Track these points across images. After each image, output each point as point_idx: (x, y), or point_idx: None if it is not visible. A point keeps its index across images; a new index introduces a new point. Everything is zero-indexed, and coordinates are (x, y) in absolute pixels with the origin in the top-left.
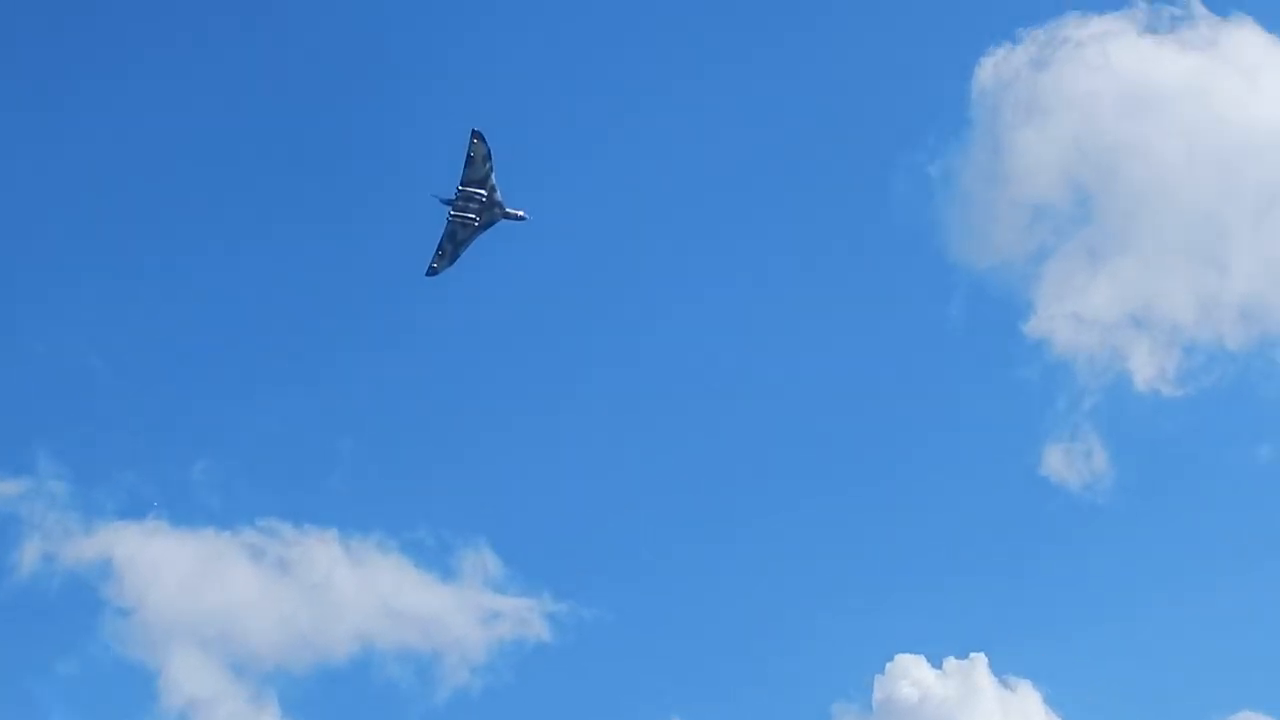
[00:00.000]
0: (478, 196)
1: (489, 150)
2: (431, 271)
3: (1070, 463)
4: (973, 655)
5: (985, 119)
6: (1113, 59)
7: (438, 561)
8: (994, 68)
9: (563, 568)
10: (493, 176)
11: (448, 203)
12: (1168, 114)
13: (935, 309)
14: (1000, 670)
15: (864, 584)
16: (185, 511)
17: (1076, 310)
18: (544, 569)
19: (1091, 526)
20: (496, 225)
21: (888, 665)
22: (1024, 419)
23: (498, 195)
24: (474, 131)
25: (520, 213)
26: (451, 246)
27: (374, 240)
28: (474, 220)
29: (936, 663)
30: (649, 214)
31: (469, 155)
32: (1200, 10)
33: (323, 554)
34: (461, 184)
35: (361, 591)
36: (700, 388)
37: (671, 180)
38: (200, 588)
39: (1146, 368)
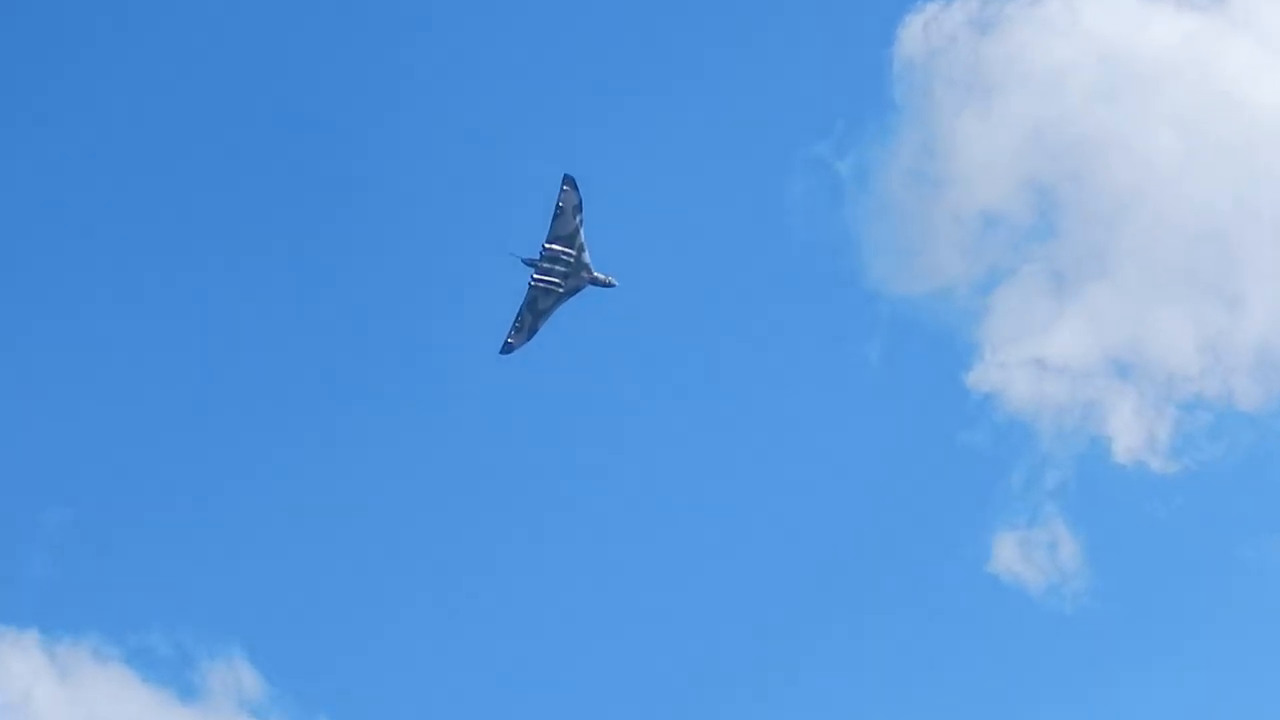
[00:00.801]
0: (565, 257)
1: (581, 200)
2: (507, 348)
3: (1028, 557)
4: None
5: (913, 100)
6: (1085, 20)
7: (175, 676)
8: (923, 31)
9: (340, 684)
10: (582, 232)
11: (530, 264)
12: (1159, 94)
13: (847, 352)
14: None
15: None
16: None
17: (1038, 354)
18: (317, 686)
19: (1056, 640)
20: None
21: None
22: (967, 498)
23: (586, 256)
24: (565, 178)
25: (611, 278)
26: (531, 317)
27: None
28: (559, 286)
29: None
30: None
31: (557, 206)
32: None
33: (19, 663)
34: (547, 241)
35: (71, 713)
36: (516, 472)
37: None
38: None
39: (1130, 432)
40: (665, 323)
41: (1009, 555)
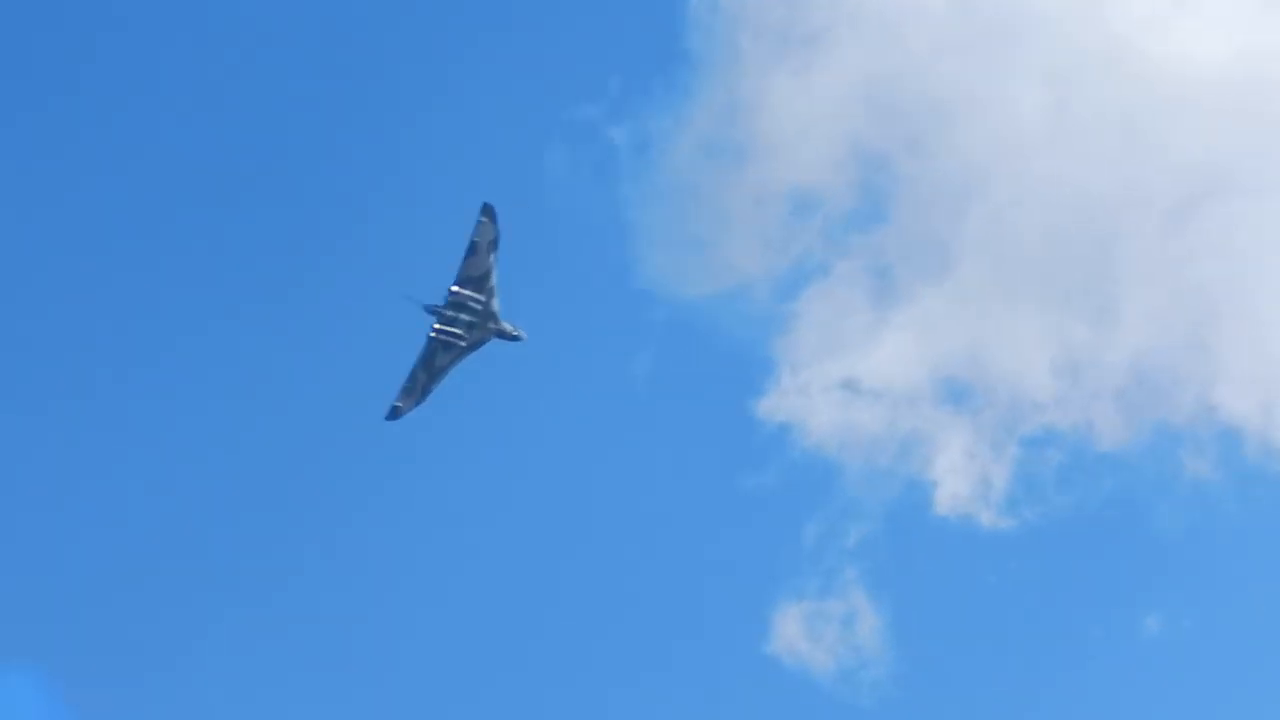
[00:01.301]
0: (473, 304)
1: (499, 233)
2: (394, 413)
3: (817, 634)
4: None
5: (710, 53)
6: None
7: None
8: None
9: None
10: (495, 274)
11: (434, 311)
12: (1022, 47)
13: (609, 367)
14: None
15: None
16: None
17: (849, 375)
18: None
19: None
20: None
21: None
22: (746, 558)
23: (496, 303)
24: (485, 207)
25: (519, 330)
26: (425, 376)
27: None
28: (461, 338)
29: None
30: None
31: (471, 241)
32: None
33: None
34: (456, 283)
35: None
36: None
37: None
38: None
39: (958, 476)
40: (390, 322)
41: (793, 631)
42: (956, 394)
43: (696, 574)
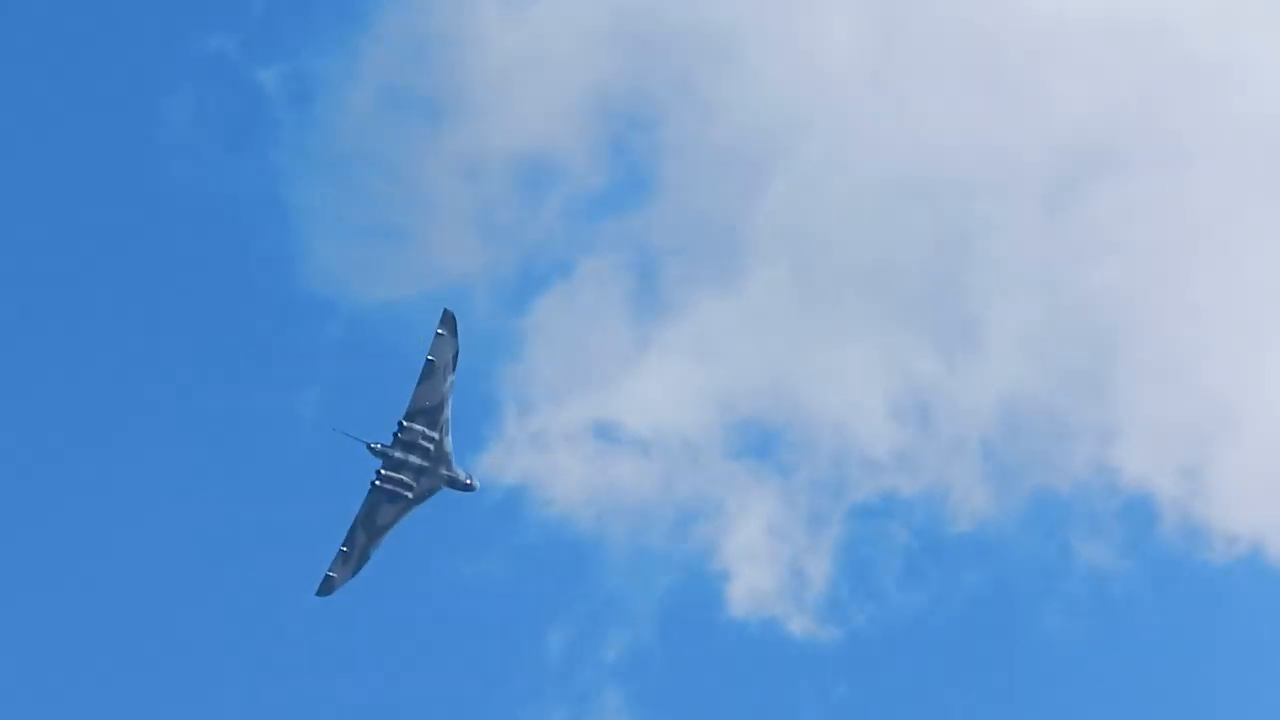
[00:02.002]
0: (424, 443)
1: (458, 349)
2: (327, 586)
3: None
4: None
5: None
6: None
7: None
8: None
9: None
10: (450, 404)
11: (380, 453)
12: None
13: (268, 407)
14: None
15: None
16: None
17: (603, 416)
18: None
19: None
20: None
21: None
22: (468, 675)
23: (449, 442)
24: (445, 315)
25: (472, 479)
26: (365, 537)
27: None
28: (408, 488)
29: None
30: None
31: (427, 360)
32: None
33: None
34: (406, 416)
35: None
36: None
37: None
38: None
39: (760, 565)
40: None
41: None
42: (755, 444)
43: (404, 699)
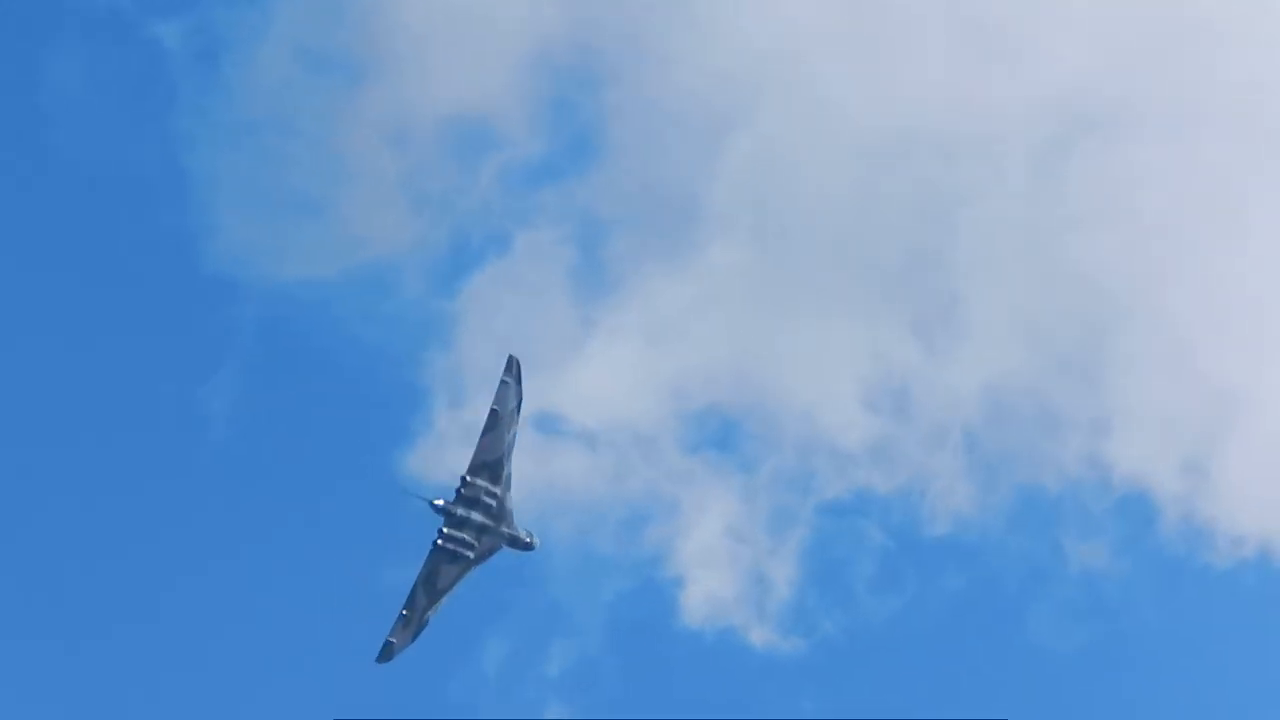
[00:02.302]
0: (486, 499)
1: (522, 396)
2: (387, 652)
3: None
4: None
5: None
6: None
7: None
8: None
9: None
10: (512, 459)
11: (443, 511)
12: None
13: (172, 402)
14: None
15: None
16: None
17: (544, 406)
18: None
19: None
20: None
21: None
22: (398, 690)
23: (511, 499)
24: (510, 362)
25: (533, 537)
26: (426, 599)
27: None
28: (470, 548)
29: None
30: None
31: (492, 410)
32: None
33: None
34: (469, 471)
35: None
36: None
37: None
38: None
39: (718, 570)
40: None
41: None
42: (714, 437)
43: (328, 708)
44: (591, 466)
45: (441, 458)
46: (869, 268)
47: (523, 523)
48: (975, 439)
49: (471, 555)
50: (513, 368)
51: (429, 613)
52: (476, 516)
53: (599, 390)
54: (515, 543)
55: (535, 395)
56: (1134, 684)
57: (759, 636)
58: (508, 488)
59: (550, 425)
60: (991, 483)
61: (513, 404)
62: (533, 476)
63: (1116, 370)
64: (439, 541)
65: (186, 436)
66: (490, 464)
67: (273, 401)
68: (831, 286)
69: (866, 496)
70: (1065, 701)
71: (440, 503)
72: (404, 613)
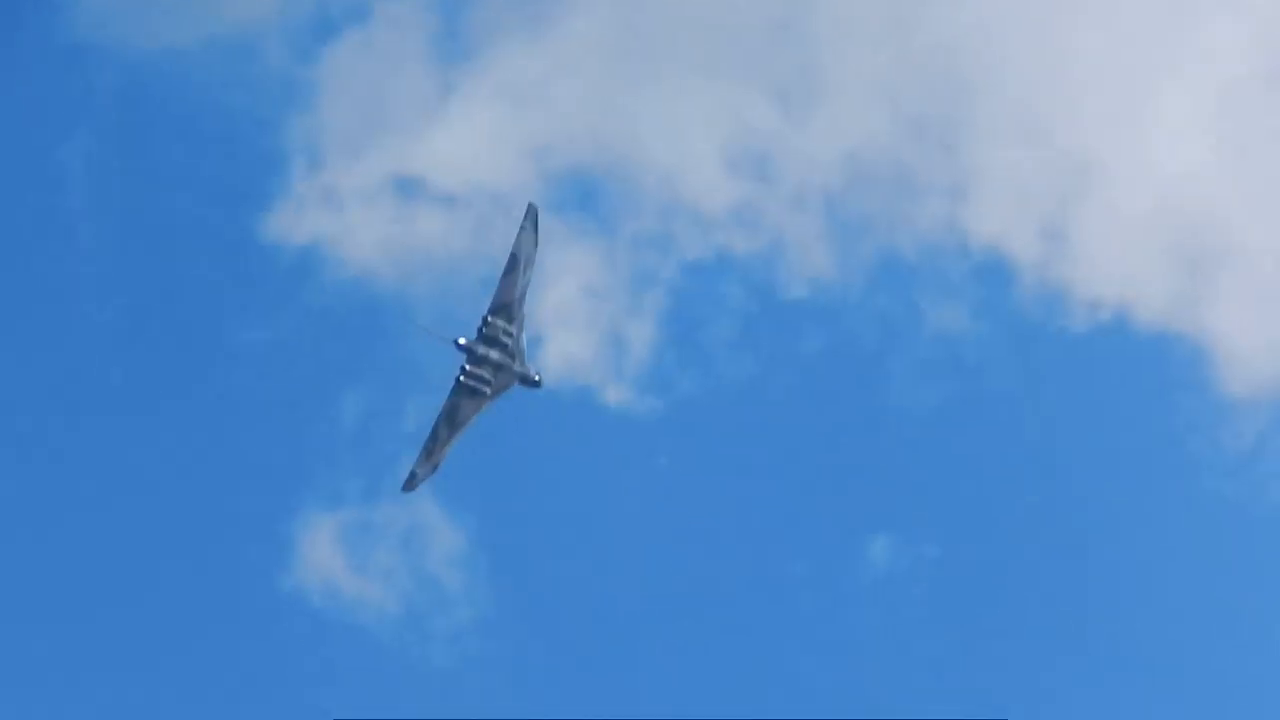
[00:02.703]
0: (504, 339)
1: (538, 241)
2: (411, 482)
3: (370, 564)
4: None
5: None
6: None
7: None
8: None
9: None
10: (525, 301)
11: (466, 349)
12: None
13: (28, 162)
14: None
15: None
16: None
17: (403, 169)
18: None
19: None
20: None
21: None
22: (253, 445)
23: (524, 339)
24: (529, 209)
25: (540, 376)
26: (447, 433)
27: None
28: (487, 385)
29: None
30: None
31: (512, 254)
32: None
33: None
34: (490, 312)
35: None
36: None
37: None
38: None
39: (576, 329)
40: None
41: (327, 556)
42: (574, 198)
43: (177, 472)
44: (451, 228)
45: (302, 219)
46: (730, 34)
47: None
48: (835, 202)
49: (488, 391)
50: (531, 215)
51: (448, 446)
52: (494, 355)
53: (459, 154)
54: (525, 380)
55: (394, 159)
56: (990, 444)
57: (615, 396)
58: (521, 328)
59: (410, 189)
60: (850, 246)
61: (531, 248)
62: (393, 238)
63: (974, 136)
64: (461, 378)
65: (43, 198)
66: (507, 305)
67: (130, 165)
68: (693, 53)
69: (726, 258)
70: (920, 457)
71: (463, 341)
72: (428, 445)
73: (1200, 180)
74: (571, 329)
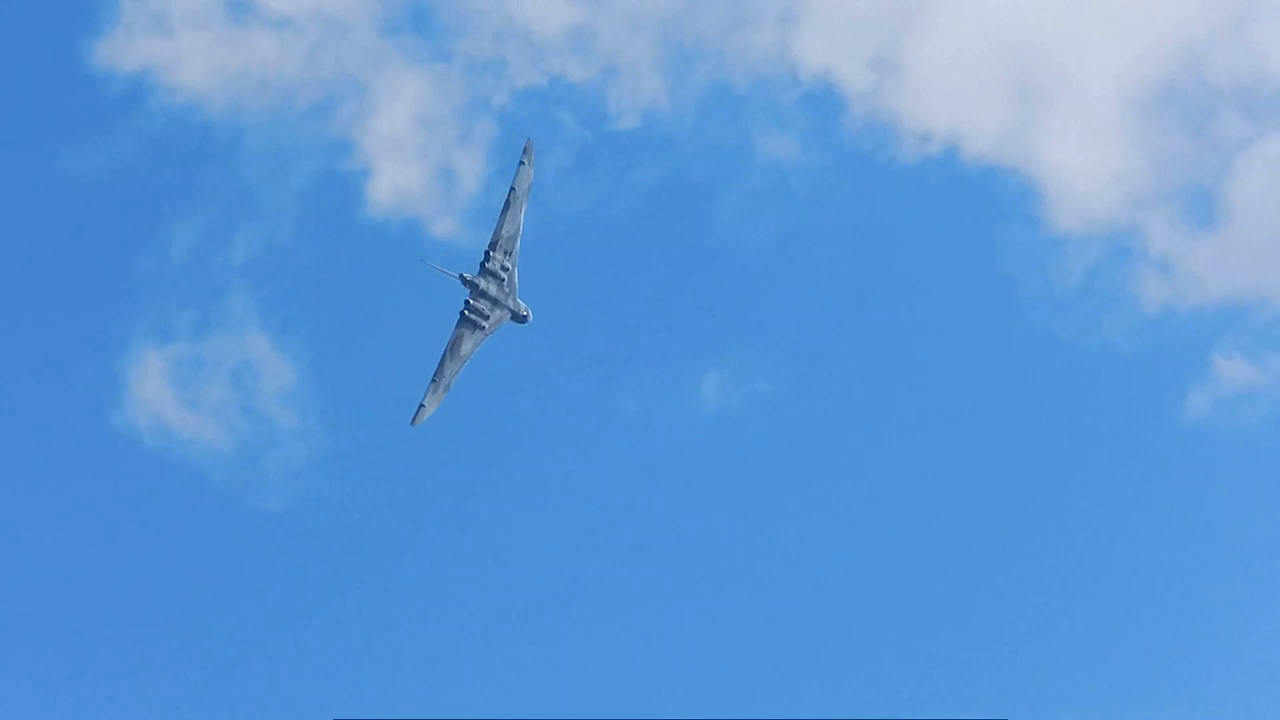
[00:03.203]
0: (502, 273)
1: (533, 177)
2: (420, 414)
3: (200, 398)
4: None
5: None
6: None
7: None
8: None
9: None
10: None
11: (470, 283)
12: None
13: None
14: None
15: None
16: None
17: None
18: None
19: None
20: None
21: None
22: (79, 276)
23: (516, 276)
24: (527, 145)
25: (529, 311)
26: (453, 366)
27: None
28: (484, 318)
29: None
30: None
31: (510, 189)
32: None
33: None
34: (490, 246)
35: None
36: None
37: None
38: None
39: (405, 159)
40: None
41: (155, 391)
42: (407, 19)
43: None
44: (284, 52)
45: (129, 47)
46: None
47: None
48: (668, 30)
49: (486, 325)
50: (529, 151)
51: (453, 379)
52: (492, 289)
53: None
54: (516, 315)
55: None
56: (819, 274)
57: (443, 228)
58: (515, 262)
59: (241, 11)
60: (682, 75)
61: (526, 184)
62: (225, 64)
63: None
64: (465, 312)
65: None
66: (505, 239)
67: None
68: None
69: (559, 84)
70: (750, 287)
71: (468, 276)
72: (435, 377)
73: (1032, 13)
74: (401, 160)
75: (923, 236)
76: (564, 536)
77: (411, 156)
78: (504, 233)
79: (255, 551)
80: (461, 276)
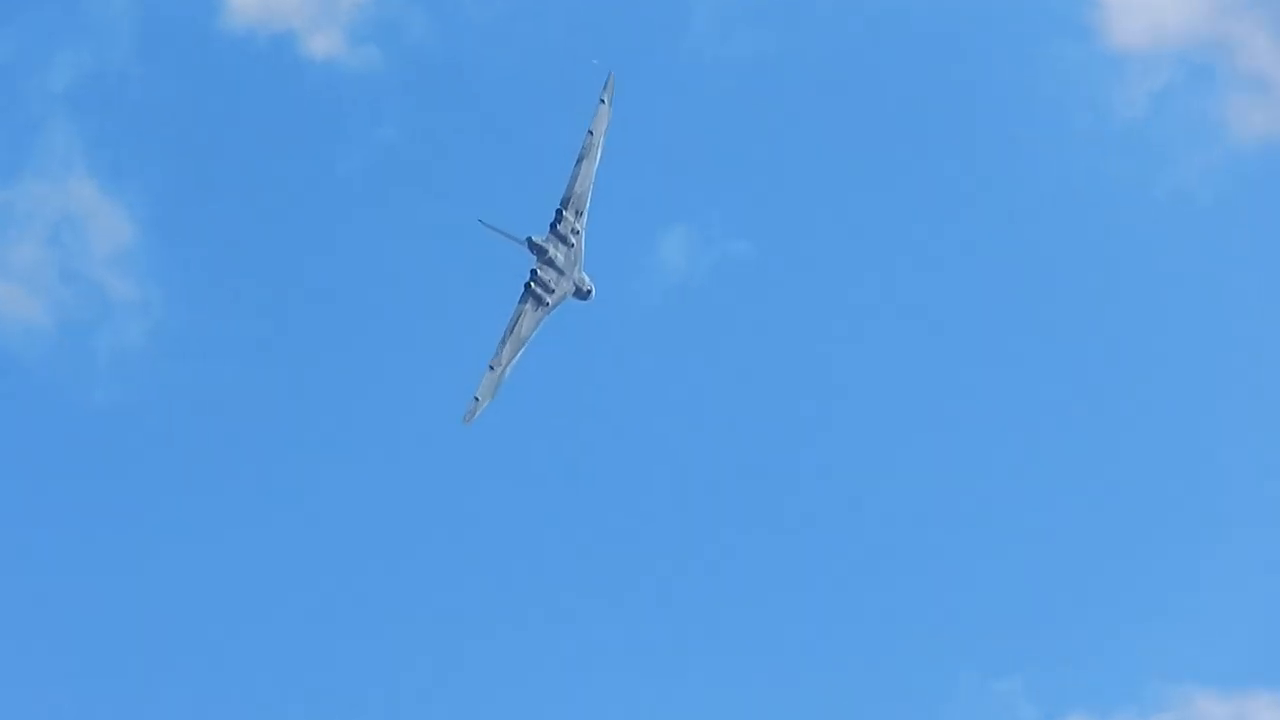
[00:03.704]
0: (572, 239)
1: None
2: (471, 413)
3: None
4: None
5: None
6: None
7: None
8: None
9: None
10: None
11: (536, 248)
12: None
13: None
14: None
15: None
16: None
17: None
18: None
19: None
20: None
21: None
22: None
23: (583, 243)
24: (607, 82)
25: (590, 287)
26: (510, 351)
27: None
28: (549, 292)
29: None
30: None
31: (588, 134)
32: None
33: None
34: (562, 203)
35: None
36: None
37: None
38: None
39: None
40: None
41: None
42: None
43: None
44: None
45: None
46: None
47: None
48: None
49: (549, 302)
50: (609, 87)
51: (510, 366)
52: (560, 257)
53: None
54: (579, 291)
55: None
56: (811, 109)
57: (321, 46)
58: (585, 225)
59: None
60: None
61: (604, 126)
62: None
63: None
64: (530, 283)
65: None
66: (578, 195)
67: None
68: None
69: None
70: (727, 132)
71: (537, 240)
72: (492, 364)
73: None
74: None
75: (947, 55)
76: (465, 439)
77: None
78: (577, 188)
79: (81, 455)
80: (529, 240)
